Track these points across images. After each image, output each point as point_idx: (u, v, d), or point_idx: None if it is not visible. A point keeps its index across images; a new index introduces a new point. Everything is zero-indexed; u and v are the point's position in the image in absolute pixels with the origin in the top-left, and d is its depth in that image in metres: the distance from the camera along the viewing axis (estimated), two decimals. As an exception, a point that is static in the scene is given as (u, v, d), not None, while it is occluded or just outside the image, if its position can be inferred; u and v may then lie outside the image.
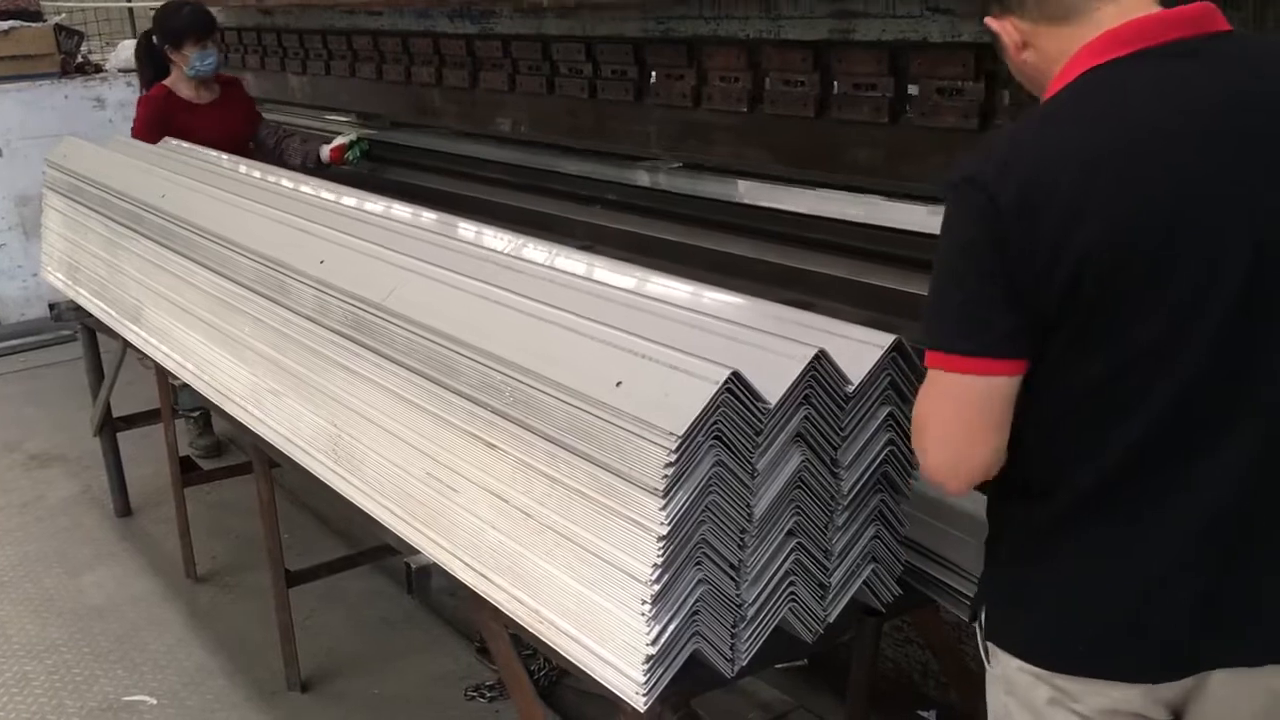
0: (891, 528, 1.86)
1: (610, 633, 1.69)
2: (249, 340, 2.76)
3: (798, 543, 1.75)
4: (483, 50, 3.82)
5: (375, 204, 3.03)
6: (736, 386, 1.59)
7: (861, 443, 1.76)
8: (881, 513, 1.84)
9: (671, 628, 1.64)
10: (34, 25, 6.41)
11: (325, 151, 4.33)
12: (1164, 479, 1.36)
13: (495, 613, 1.95)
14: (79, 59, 6.58)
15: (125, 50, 6.35)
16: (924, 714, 2.77)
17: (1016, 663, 1.48)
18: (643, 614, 1.62)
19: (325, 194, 3.19)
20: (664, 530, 1.58)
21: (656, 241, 3.22)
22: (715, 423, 1.59)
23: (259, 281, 2.69)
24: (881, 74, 2.52)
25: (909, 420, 1.55)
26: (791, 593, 1.77)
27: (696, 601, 1.66)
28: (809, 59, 2.68)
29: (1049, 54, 1.41)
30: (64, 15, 7.61)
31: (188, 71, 4.13)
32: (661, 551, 1.59)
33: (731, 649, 1.73)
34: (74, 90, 6.26)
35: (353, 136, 4.41)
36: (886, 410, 1.77)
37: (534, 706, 2.09)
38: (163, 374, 3.37)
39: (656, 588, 1.60)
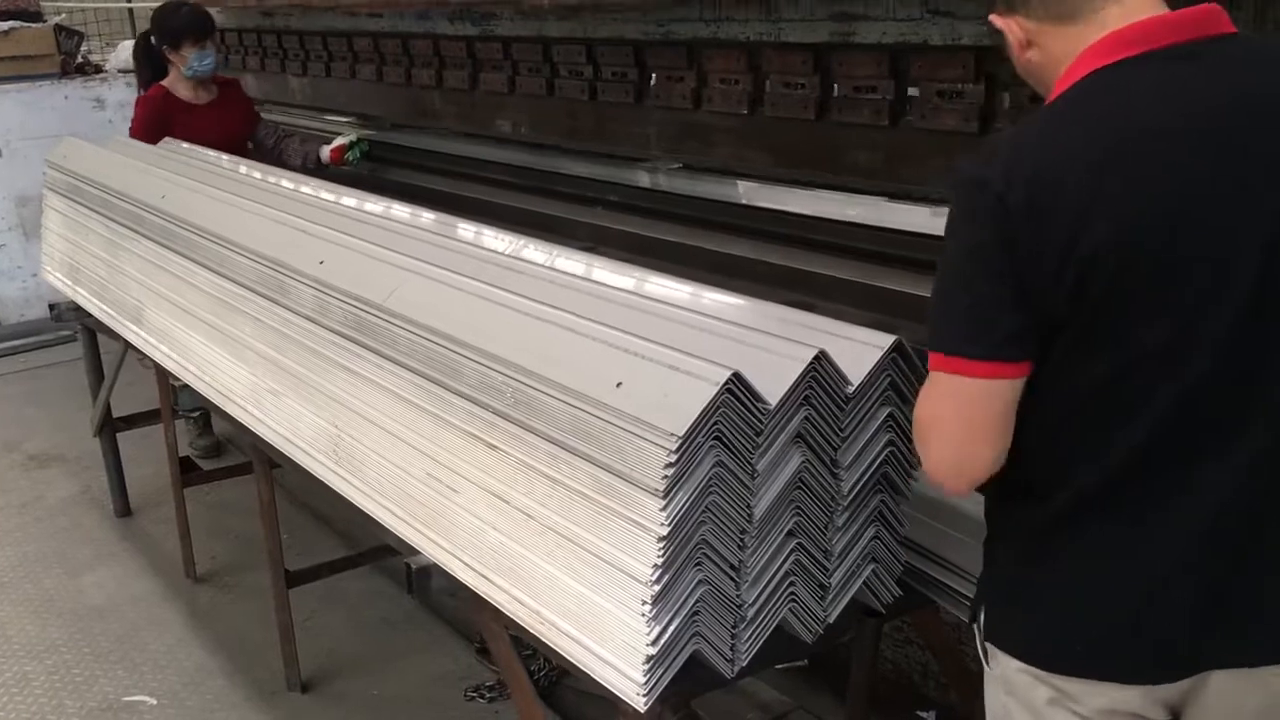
0: (891, 528, 1.86)
1: (610, 633, 1.69)
2: (249, 341, 2.75)
3: (798, 543, 1.75)
4: (483, 52, 3.82)
5: (375, 204, 3.03)
6: (737, 387, 1.59)
7: (862, 443, 1.76)
8: (881, 513, 1.84)
9: (672, 628, 1.64)
10: (34, 26, 6.41)
11: (325, 152, 4.33)
12: (1168, 480, 1.36)
13: (496, 613, 1.95)
14: (79, 59, 6.58)
15: (125, 51, 6.34)
16: (924, 715, 2.77)
17: (1016, 663, 1.48)
18: (643, 614, 1.63)
19: (325, 194, 3.19)
20: (664, 531, 1.58)
21: (658, 242, 3.22)
22: (715, 423, 1.59)
23: (259, 282, 2.69)
24: (882, 76, 2.52)
25: (909, 421, 1.55)
26: (791, 593, 1.77)
27: (697, 602, 1.66)
28: (809, 61, 2.68)
29: (1053, 54, 1.41)
30: (64, 15, 7.60)
31: (186, 72, 4.13)
32: (662, 552, 1.59)
33: (731, 649, 1.73)
34: (74, 91, 6.25)
35: (353, 137, 4.41)
36: (887, 411, 1.77)
37: (534, 707, 2.09)
38: (163, 374, 3.37)
39: (657, 588, 1.61)
